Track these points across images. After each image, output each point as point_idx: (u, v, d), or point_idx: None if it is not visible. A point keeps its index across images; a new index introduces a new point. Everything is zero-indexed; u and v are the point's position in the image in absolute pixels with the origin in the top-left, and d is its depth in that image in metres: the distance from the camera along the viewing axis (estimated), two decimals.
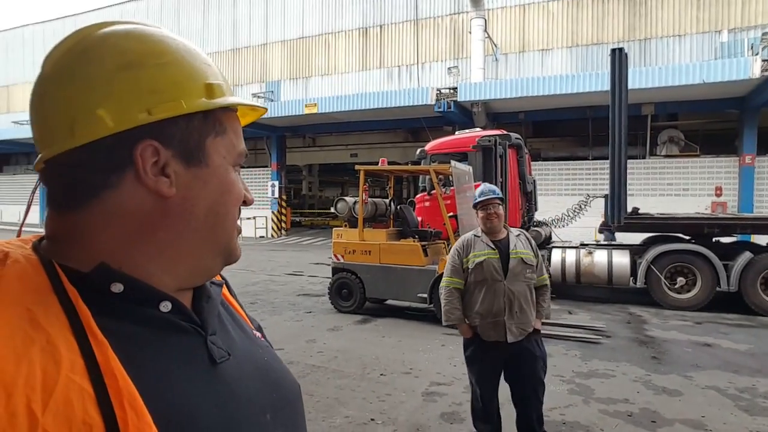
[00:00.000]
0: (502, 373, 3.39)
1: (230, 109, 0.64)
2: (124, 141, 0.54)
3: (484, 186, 3.54)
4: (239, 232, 0.66)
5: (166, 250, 0.58)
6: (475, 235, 3.47)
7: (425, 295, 6.92)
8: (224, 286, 0.75)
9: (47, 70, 0.57)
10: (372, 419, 3.89)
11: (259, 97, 22.72)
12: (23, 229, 0.63)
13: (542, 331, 3.49)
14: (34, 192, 0.66)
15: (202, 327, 0.61)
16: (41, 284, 0.52)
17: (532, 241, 3.47)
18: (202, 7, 25.25)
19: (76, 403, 0.46)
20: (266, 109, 0.72)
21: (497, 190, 3.51)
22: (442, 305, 3.49)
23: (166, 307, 0.58)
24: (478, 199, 3.43)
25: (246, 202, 0.66)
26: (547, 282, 3.45)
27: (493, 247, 3.34)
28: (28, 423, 0.43)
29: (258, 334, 0.75)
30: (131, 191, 0.56)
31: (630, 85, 9.02)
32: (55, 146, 0.55)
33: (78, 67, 0.56)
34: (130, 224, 0.56)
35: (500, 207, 3.41)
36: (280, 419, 0.65)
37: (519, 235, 3.44)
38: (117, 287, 0.55)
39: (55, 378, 0.46)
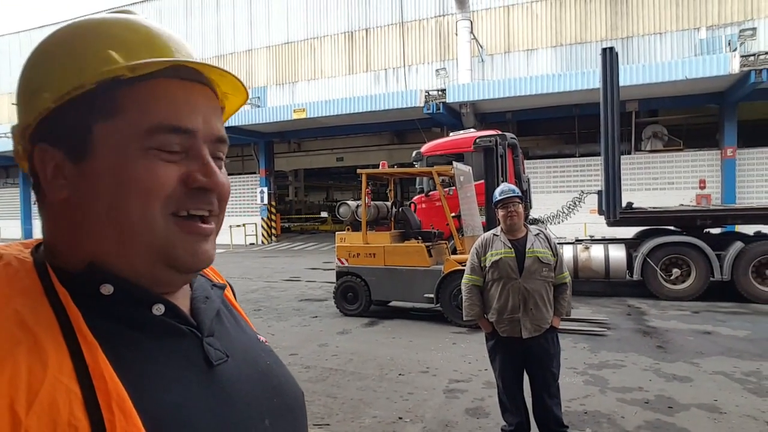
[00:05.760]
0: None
1: (139, 80, 0.54)
2: (29, 148, 0.56)
3: (504, 185, 3.63)
4: (203, 233, 0.57)
5: (96, 255, 0.55)
6: (494, 234, 3.57)
7: (431, 296, 7.01)
8: (227, 288, 0.74)
9: None
10: (400, 418, 3.96)
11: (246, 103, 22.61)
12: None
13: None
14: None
15: (199, 329, 0.59)
16: (32, 286, 0.51)
17: (552, 241, 3.54)
18: (184, 12, 25.04)
19: (62, 404, 0.45)
20: (240, 83, 0.63)
21: (517, 189, 3.58)
22: (463, 301, 3.62)
23: (159, 309, 0.56)
24: (499, 198, 3.53)
25: (205, 186, 0.56)
26: (567, 280, 3.49)
27: (510, 246, 3.44)
28: (10, 424, 0.43)
29: (262, 338, 0.73)
30: (48, 195, 0.56)
31: None
32: None
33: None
34: (63, 226, 0.56)
35: (520, 206, 3.50)
36: (280, 425, 0.62)
37: (538, 234, 3.51)
38: (107, 289, 0.54)
39: (41, 379, 0.45)
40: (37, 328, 0.48)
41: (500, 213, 3.53)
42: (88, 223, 0.55)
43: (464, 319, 3.70)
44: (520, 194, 3.55)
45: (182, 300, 0.61)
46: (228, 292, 0.74)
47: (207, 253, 0.58)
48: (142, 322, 0.55)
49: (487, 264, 3.48)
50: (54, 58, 0.55)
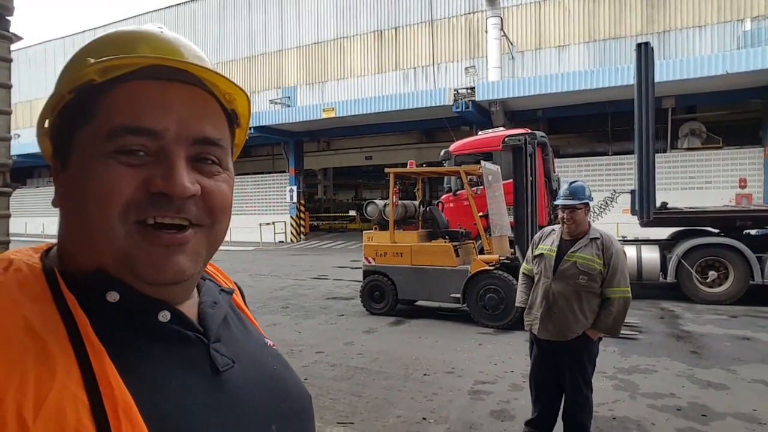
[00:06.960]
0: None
1: (113, 84, 0.53)
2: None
3: (570, 187, 3.36)
4: (172, 242, 0.54)
5: (99, 263, 0.55)
6: (553, 229, 3.51)
7: (458, 295, 6.97)
8: (236, 292, 0.73)
9: None
10: (424, 418, 3.95)
11: (276, 102, 22.96)
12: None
13: None
14: None
15: (205, 335, 0.59)
16: (40, 292, 0.52)
17: (610, 250, 3.20)
18: (218, 15, 25.59)
19: (69, 411, 0.45)
20: (231, 82, 0.58)
21: (582, 190, 3.30)
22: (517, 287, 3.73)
23: (164, 317, 0.56)
24: (557, 202, 3.44)
25: (163, 191, 0.52)
26: (616, 296, 3.17)
27: (557, 245, 3.35)
28: (18, 430, 0.43)
29: (270, 342, 0.72)
30: None
31: None
32: None
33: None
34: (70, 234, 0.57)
35: (580, 212, 3.27)
36: (287, 430, 0.62)
37: (596, 239, 3.24)
38: (113, 296, 0.54)
39: (48, 385, 0.45)
40: (46, 334, 0.48)
41: (560, 214, 3.39)
42: (71, 232, 0.56)
43: (516, 305, 3.74)
44: (583, 200, 3.28)
45: (190, 306, 0.61)
46: (236, 295, 0.74)
47: (176, 266, 0.54)
48: (148, 328, 0.55)
49: (534, 256, 3.51)
50: (68, 65, 0.57)
